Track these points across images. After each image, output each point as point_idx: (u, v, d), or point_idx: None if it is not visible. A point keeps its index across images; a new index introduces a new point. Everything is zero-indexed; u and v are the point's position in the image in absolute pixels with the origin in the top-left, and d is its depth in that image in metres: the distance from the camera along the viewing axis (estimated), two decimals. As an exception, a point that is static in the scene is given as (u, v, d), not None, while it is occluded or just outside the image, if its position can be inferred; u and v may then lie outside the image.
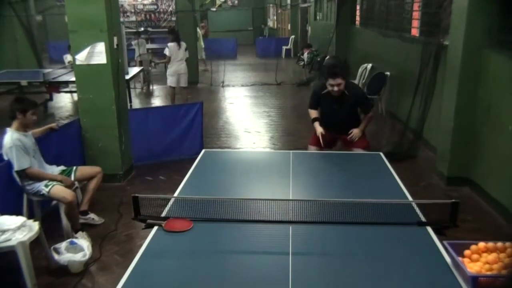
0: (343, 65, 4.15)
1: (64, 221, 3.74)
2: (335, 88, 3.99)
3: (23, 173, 3.60)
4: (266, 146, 6.54)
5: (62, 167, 4.02)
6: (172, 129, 5.71)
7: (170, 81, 8.44)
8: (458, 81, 4.64)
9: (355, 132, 4.15)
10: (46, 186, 3.65)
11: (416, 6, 7.17)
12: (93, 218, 4.13)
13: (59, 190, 3.65)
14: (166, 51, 8.25)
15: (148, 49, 12.22)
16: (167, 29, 14.25)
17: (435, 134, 5.51)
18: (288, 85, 11.49)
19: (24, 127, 3.67)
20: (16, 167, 3.55)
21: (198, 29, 13.78)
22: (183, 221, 2.47)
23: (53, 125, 4.33)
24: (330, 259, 2.21)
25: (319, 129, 4.17)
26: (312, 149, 4.29)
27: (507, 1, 4.28)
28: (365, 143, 4.25)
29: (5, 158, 3.61)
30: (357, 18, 11.38)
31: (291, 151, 3.96)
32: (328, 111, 4.25)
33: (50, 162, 3.98)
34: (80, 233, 3.75)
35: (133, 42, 11.87)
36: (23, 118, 3.61)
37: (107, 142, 4.96)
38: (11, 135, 3.57)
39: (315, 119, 4.28)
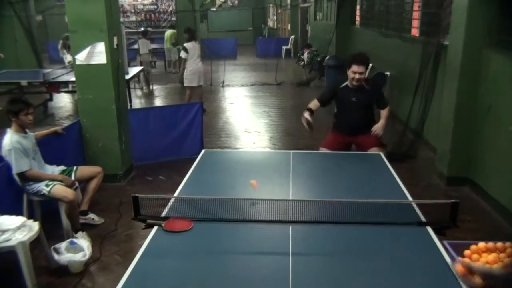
0: (368, 58, 4.15)
1: (64, 221, 3.74)
2: (357, 76, 3.98)
3: (23, 175, 3.59)
4: (266, 146, 6.53)
5: (62, 167, 4.02)
6: (172, 129, 5.71)
7: (190, 81, 8.05)
8: (458, 81, 4.64)
9: (379, 127, 4.09)
10: (47, 186, 3.65)
11: (416, 6, 7.17)
12: (93, 218, 4.13)
13: (60, 190, 3.65)
14: (183, 54, 7.93)
15: (148, 50, 12.23)
16: (168, 28, 14.27)
17: (435, 134, 5.51)
18: (288, 85, 11.49)
19: (22, 128, 3.66)
20: (15, 170, 3.55)
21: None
22: (183, 221, 2.46)
23: (57, 128, 4.34)
24: (330, 259, 2.21)
25: (305, 114, 4.07)
26: (323, 151, 4.24)
27: (507, 1, 4.28)
28: (377, 142, 4.19)
29: (5, 159, 3.62)
30: (357, 18, 11.39)
31: (291, 151, 3.95)
32: (346, 105, 4.19)
33: (50, 162, 3.98)
34: (80, 233, 3.75)
35: (140, 41, 11.86)
36: (17, 119, 3.58)
37: (107, 142, 4.96)
38: (10, 137, 3.56)
39: (309, 109, 4.15)
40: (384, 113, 4.24)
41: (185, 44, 8.00)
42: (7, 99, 3.84)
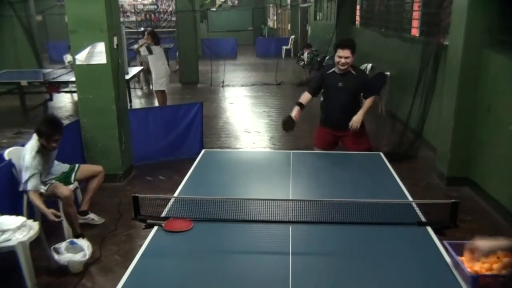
0: (353, 42, 4.10)
1: (65, 224, 3.74)
2: (342, 60, 3.94)
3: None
4: (266, 146, 6.54)
5: (67, 165, 4.01)
6: (172, 129, 5.72)
7: (161, 84, 8.05)
8: (458, 81, 4.64)
9: (354, 120, 3.98)
10: (45, 185, 3.66)
11: (416, 6, 7.17)
12: (92, 218, 4.12)
13: (56, 187, 3.65)
14: (145, 52, 7.87)
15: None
16: (170, 29, 14.17)
17: (435, 134, 5.51)
18: (288, 85, 11.49)
19: (45, 147, 3.62)
20: (21, 187, 3.49)
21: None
22: (183, 221, 2.46)
23: None
24: (330, 259, 2.21)
25: (294, 112, 4.02)
26: (316, 150, 4.27)
27: (507, 1, 4.28)
28: (367, 145, 4.19)
29: (8, 158, 3.61)
30: (357, 18, 11.38)
31: (291, 151, 3.95)
32: (332, 91, 4.13)
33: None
34: (80, 239, 3.70)
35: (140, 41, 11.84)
36: (40, 139, 3.56)
37: (107, 142, 4.97)
38: (33, 156, 3.49)
39: (299, 103, 4.09)
40: (366, 103, 4.13)
41: (152, 46, 7.91)
42: (7, 99, 3.83)
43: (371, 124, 4.21)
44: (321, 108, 4.36)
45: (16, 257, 2.89)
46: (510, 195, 4.00)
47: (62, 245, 3.40)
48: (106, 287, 3.24)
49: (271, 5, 22.61)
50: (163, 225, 2.44)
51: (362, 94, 4.21)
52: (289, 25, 19.45)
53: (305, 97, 4.18)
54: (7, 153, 3.70)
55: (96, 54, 4.73)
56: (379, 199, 2.60)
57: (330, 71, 4.12)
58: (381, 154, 3.79)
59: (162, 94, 8.28)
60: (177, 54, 13.55)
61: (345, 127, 4.07)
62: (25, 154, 3.52)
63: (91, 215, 4.14)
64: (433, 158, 5.47)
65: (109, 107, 4.88)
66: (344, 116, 4.07)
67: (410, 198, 2.80)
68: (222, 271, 2.11)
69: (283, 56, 17.32)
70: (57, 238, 3.63)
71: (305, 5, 17.29)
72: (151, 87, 11.15)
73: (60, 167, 3.94)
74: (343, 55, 3.94)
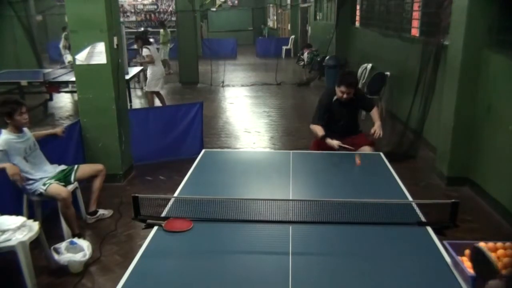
0: (357, 79, 4.24)
1: (64, 224, 3.74)
2: (345, 96, 4.07)
3: None
4: (266, 146, 6.54)
5: (63, 166, 4.01)
6: (172, 129, 5.71)
7: (155, 84, 8.02)
8: (458, 81, 4.64)
9: (377, 128, 4.09)
10: (44, 185, 3.65)
11: (416, 6, 7.17)
12: (103, 213, 4.21)
13: (54, 188, 3.64)
14: (147, 52, 7.89)
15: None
16: (170, 29, 14.21)
17: (435, 134, 5.51)
18: (288, 85, 11.49)
19: (17, 128, 3.58)
20: None
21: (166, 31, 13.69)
22: (183, 221, 2.47)
23: (58, 130, 4.27)
24: (330, 259, 2.21)
25: (335, 143, 3.99)
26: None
27: (507, 1, 4.28)
28: (369, 141, 4.23)
29: None
30: (357, 18, 11.38)
31: (291, 151, 3.96)
32: (337, 116, 4.25)
33: (51, 162, 3.96)
34: (80, 239, 3.70)
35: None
36: (12, 121, 3.52)
37: (107, 142, 4.96)
38: (1, 137, 3.52)
39: (324, 137, 4.08)
40: (375, 114, 4.31)
41: (148, 46, 7.99)
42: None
43: (372, 124, 4.22)
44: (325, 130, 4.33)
45: (16, 257, 2.89)
46: (510, 195, 4.00)
47: (62, 245, 3.40)
48: (106, 287, 3.24)
49: (271, 5, 22.61)
50: (163, 225, 2.44)
51: (363, 110, 4.56)
52: (289, 25, 19.46)
53: (320, 128, 4.12)
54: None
55: (96, 54, 4.73)
56: (379, 199, 2.60)
57: (334, 99, 4.20)
58: (381, 154, 3.79)
59: (158, 95, 8.28)
60: (162, 50, 13.38)
61: (347, 134, 4.23)
62: None
63: (100, 211, 4.20)
64: (433, 158, 5.47)
65: (109, 107, 4.88)
66: (346, 129, 4.27)
67: (410, 198, 2.80)
68: (222, 271, 2.11)
69: (283, 56, 17.31)
70: (57, 238, 3.63)
71: (305, 5, 17.30)
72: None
73: (54, 168, 3.94)
74: (346, 91, 4.05)
